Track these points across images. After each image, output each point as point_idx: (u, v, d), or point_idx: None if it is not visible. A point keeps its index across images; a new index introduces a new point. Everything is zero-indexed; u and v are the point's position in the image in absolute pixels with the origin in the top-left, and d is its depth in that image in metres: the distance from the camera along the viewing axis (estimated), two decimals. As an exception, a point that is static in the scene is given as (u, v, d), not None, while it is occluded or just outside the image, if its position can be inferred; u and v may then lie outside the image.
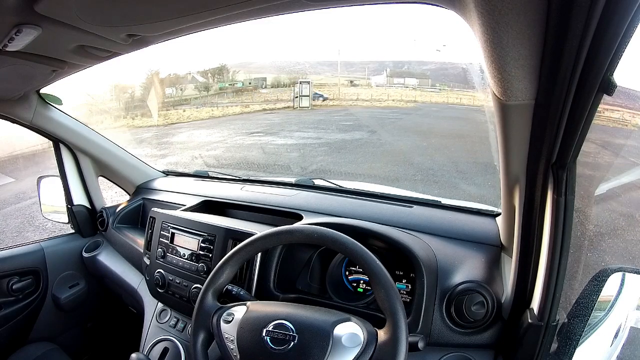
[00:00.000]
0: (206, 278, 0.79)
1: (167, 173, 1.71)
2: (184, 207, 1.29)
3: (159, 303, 1.19)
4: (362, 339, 0.66)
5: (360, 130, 9.27)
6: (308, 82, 11.82)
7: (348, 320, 0.69)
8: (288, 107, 12.14)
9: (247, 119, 11.66)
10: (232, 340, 0.70)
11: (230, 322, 0.72)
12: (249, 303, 0.76)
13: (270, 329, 0.69)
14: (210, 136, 9.82)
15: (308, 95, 11.61)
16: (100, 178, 1.61)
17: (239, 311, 0.74)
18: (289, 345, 0.66)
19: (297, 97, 11.76)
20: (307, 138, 8.53)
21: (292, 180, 1.44)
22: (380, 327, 0.68)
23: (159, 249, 1.14)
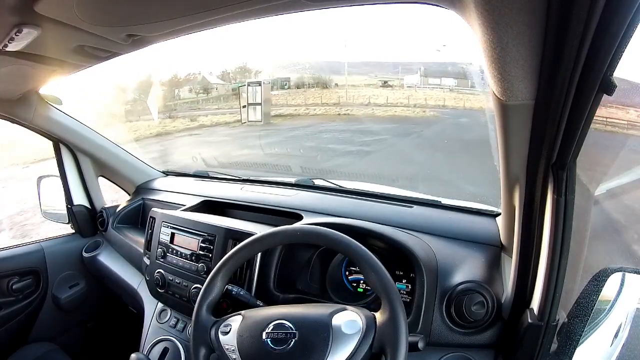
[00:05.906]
0: (206, 278, 0.79)
1: (167, 173, 1.70)
2: (184, 207, 1.29)
3: (159, 303, 1.19)
4: (361, 324, 0.66)
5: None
6: (259, 84, 7.86)
7: (344, 309, 0.70)
8: (237, 120, 8.16)
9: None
10: (233, 350, 0.70)
11: (228, 332, 0.72)
12: (243, 312, 0.76)
13: (269, 330, 0.69)
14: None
15: (260, 104, 7.64)
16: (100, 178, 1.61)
17: (235, 321, 0.74)
18: (291, 342, 0.67)
19: (244, 106, 7.75)
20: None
21: (292, 180, 1.44)
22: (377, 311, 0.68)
23: (159, 249, 1.14)
